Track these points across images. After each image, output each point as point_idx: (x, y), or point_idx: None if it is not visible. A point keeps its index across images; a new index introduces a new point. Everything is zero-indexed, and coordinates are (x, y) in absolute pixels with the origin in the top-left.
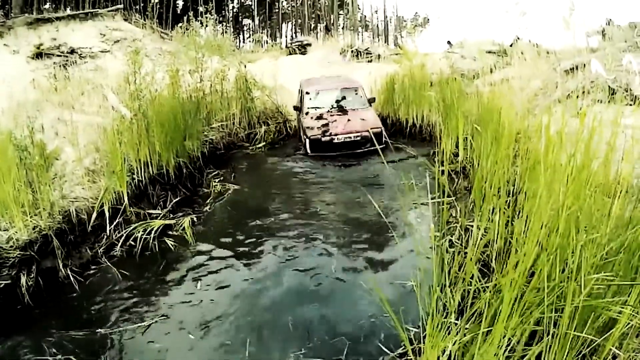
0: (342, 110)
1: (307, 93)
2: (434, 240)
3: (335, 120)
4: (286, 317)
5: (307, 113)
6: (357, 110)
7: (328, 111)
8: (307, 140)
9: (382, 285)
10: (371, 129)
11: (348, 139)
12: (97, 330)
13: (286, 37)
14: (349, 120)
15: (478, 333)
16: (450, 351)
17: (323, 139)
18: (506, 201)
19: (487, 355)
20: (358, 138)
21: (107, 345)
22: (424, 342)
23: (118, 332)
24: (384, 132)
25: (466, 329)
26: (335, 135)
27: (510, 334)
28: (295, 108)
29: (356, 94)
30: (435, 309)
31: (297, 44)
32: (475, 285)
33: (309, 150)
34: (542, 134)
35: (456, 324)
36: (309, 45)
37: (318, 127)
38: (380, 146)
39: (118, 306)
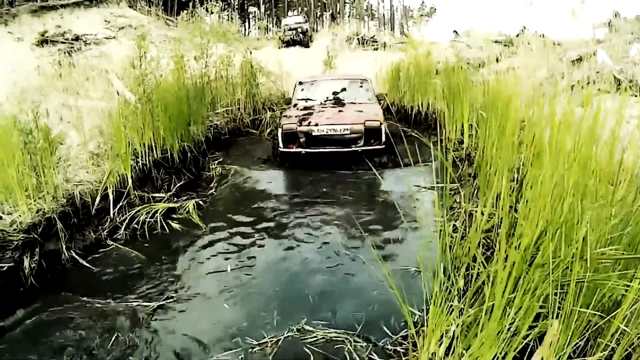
0: (339, 103)
1: (300, 83)
2: (438, 225)
3: (322, 111)
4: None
5: (295, 105)
6: (357, 104)
7: (321, 103)
8: (280, 133)
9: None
10: (366, 121)
11: (334, 133)
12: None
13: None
14: (340, 111)
15: (480, 313)
16: (454, 332)
17: (299, 128)
18: (510, 187)
19: (488, 335)
20: (347, 132)
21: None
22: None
23: (131, 306)
24: (384, 129)
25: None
26: (316, 125)
27: (512, 312)
28: (287, 103)
29: (361, 86)
30: (437, 292)
31: (293, 30)
32: (477, 268)
33: (281, 146)
34: (546, 121)
35: (457, 306)
36: (308, 34)
37: (296, 116)
38: (379, 146)
39: (127, 282)
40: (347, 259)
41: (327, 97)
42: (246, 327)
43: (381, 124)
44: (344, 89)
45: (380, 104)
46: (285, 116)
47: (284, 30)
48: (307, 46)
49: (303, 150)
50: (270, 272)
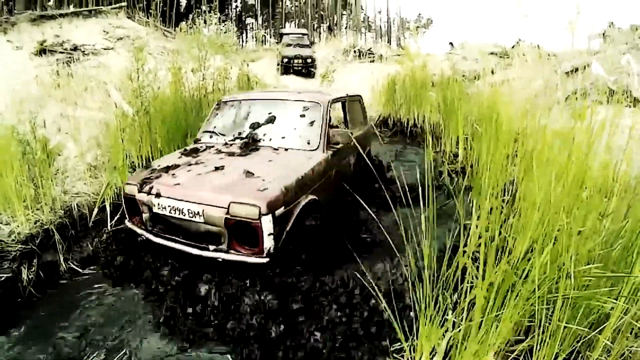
0: (248, 146)
1: (219, 105)
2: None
3: (191, 165)
4: None
5: (196, 141)
6: (276, 154)
7: (226, 144)
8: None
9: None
10: (233, 203)
11: (178, 216)
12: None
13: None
14: (219, 169)
15: (471, 326)
16: (447, 344)
17: (138, 196)
18: (503, 200)
19: (479, 348)
20: (197, 219)
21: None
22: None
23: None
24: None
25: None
26: (157, 196)
27: (503, 327)
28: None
29: (303, 116)
30: (426, 306)
31: (295, 59)
32: (468, 281)
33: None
34: (539, 134)
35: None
36: (314, 63)
37: (149, 170)
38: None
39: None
40: None
41: (240, 132)
42: None
43: (271, 212)
44: (271, 119)
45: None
46: (146, 167)
47: (282, 53)
48: (312, 77)
49: (143, 235)
50: None
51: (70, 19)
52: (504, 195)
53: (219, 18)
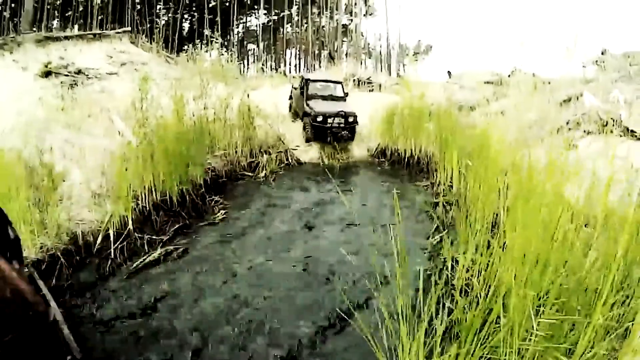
0: None
1: None
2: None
3: None
4: None
5: None
6: None
7: None
8: None
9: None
10: None
11: None
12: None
13: (290, 63)
14: None
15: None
16: None
17: None
18: (492, 233)
19: None
20: None
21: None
22: None
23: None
24: None
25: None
26: None
27: None
28: None
29: None
30: (408, 336)
31: (339, 111)
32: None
33: None
34: (526, 167)
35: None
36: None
37: None
38: None
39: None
40: None
41: None
42: None
43: None
44: None
45: None
46: None
47: (312, 109)
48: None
49: None
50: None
51: (75, 42)
52: (493, 228)
53: (222, 43)
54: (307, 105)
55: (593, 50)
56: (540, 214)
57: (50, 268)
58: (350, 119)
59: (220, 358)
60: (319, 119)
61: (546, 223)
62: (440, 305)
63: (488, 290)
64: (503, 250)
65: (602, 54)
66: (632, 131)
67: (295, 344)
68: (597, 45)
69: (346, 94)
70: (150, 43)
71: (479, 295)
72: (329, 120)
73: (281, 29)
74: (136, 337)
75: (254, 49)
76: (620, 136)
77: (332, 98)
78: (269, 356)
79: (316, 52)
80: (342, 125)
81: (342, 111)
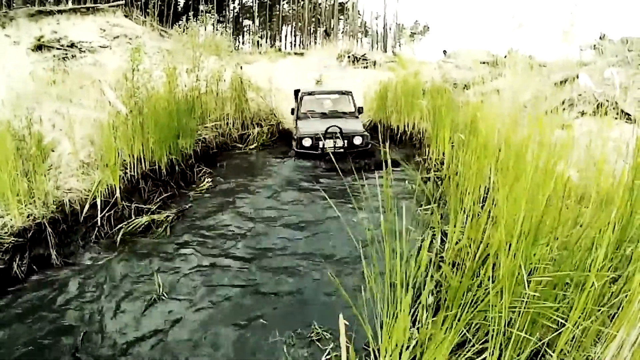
0: None
1: None
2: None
3: None
4: None
5: None
6: None
7: None
8: None
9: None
10: None
11: None
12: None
13: (286, 39)
14: None
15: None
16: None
17: None
18: (482, 207)
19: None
20: None
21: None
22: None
23: None
24: None
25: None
26: None
27: (458, 328)
28: None
29: None
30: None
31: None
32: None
33: None
34: (522, 144)
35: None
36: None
37: None
38: None
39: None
40: None
41: None
42: None
43: None
44: None
45: None
46: None
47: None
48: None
49: None
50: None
51: (68, 16)
52: (483, 201)
53: (216, 19)
54: (296, 126)
55: (591, 35)
56: (529, 184)
57: (36, 236)
58: (357, 141)
59: None
60: (306, 142)
61: (535, 195)
62: (428, 277)
63: (477, 258)
64: (493, 221)
65: (601, 38)
66: (627, 114)
67: None
68: (596, 30)
69: (359, 109)
70: (145, 17)
71: (467, 260)
72: (321, 144)
73: (277, 6)
74: None
75: (249, 25)
76: (615, 119)
77: (334, 115)
78: None
79: (312, 29)
80: (343, 149)
81: (337, 127)
